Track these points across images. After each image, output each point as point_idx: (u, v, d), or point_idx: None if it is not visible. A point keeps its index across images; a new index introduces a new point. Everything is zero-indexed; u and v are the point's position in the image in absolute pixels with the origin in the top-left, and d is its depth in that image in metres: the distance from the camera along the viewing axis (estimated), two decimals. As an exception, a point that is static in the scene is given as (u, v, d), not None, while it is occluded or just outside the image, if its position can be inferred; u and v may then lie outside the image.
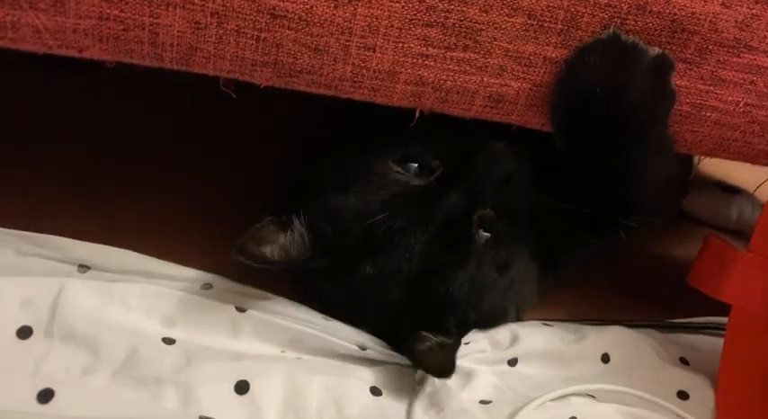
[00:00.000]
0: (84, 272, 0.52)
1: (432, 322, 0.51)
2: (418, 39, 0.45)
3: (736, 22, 0.45)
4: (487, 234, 0.52)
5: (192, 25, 0.43)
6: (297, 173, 0.57)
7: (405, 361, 0.53)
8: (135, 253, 0.54)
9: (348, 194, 0.50)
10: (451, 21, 0.44)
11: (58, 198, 0.60)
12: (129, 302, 0.50)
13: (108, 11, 0.42)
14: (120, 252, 0.53)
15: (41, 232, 0.53)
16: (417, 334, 0.51)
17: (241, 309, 0.52)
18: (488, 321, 0.56)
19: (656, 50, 0.46)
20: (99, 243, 0.54)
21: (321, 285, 0.54)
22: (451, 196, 0.50)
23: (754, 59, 0.47)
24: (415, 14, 0.44)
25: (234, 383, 0.47)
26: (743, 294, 0.55)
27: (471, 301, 0.52)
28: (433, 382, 0.52)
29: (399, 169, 0.52)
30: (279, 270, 0.52)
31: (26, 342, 0.46)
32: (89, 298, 0.49)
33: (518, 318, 0.59)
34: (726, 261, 0.56)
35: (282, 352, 0.52)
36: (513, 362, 0.56)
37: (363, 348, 0.52)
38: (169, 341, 0.49)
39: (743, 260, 0.55)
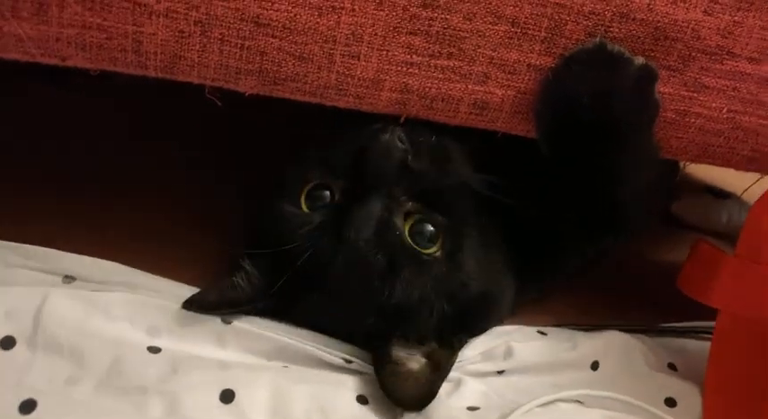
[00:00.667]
0: (70, 283, 0.52)
1: (399, 332, 0.50)
2: (402, 47, 0.45)
3: (718, 29, 0.46)
4: (427, 225, 0.50)
5: (176, 34, 0.43)
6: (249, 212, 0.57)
7: None
8: (122, 265, 0.53)
9: (273, 240, 0.50)
10: (435, 29, 0.45)
11: (47, 211, 0.59)
12: (113, 312, 0.49)
13: (91, 19, 0.42)
14: (108, 264, 0.53)
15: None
16: (384, 355, 0.50)
17: (227, 321, 0.52)
18: (475, 320, 0.55)
19: (640, 60, 0.46)
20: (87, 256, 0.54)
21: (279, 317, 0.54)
22: (362, 206, 0.49)
23: (737, 66, 0.47)
24: (398, 22, 0.44)
25: (219, 392, 0.47)
26: (730, 298, 0.55)
27: (433, 299, 0.50)
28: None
29: (308, 208, 0.51)
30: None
31: (9, 352, 0.46)
32: (73, 308, 0.48)
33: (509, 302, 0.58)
34: (713, 265, 0.56)
35: (268, 360, 0.52)
36: (501, 372, 0.56)
37: (349, 361, 0.52)
38: (154, 350, 0.49)
39: (730, 264, 0.55)
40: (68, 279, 0.52)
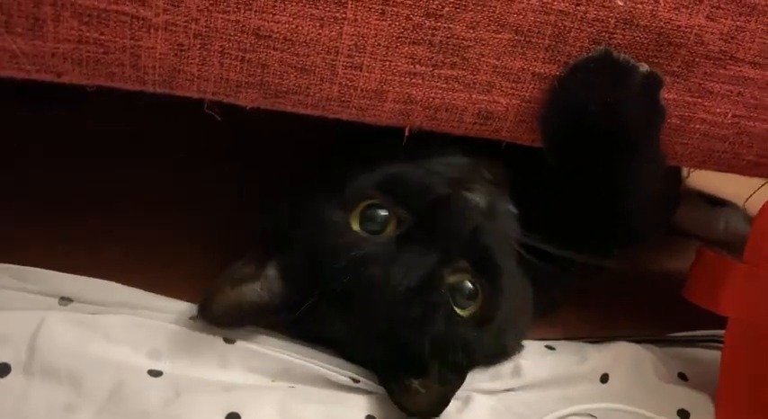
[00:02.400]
0: (66, 305, 0.50)
1: (413, 370, 0.49)
2: (405, 57, 0.45)
3: (721, 34, 0.46)
4: (470, 285, 0.49)
5: (175, 47, 0.43)
6: (269, 215, 0.54)
7: None
8: (120, 285, 0.52)
9: (309, 249, 0.48)
10: (438, 38, 0.44)
11: (42, 232, 0.58)
12: (112, 335, 0.48)
13: (87, 34, 0.41)
14: (105, 284, 0.52)
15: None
16: (398, 379, 0.49)
17: (230, 340, 0.50)
18: (489, 361, 0.54)
19: (645, 67, 0.46)
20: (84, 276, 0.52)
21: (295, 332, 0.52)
22: (417, 252, 0.47)
23: (741, 71, 0.47)
24: (401, 32, 0.44)
25: (224, 415, 0.45)
26: (740, 306, 0.55)
27: (453, 351, 0.49)
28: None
29: (360, 227, 0.49)
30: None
31: (4, 380, 0.44)
32: (70, 332, 0.47)
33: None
34: (721, 272, 0.56)
35: (273, 381, 0.51)
36: (510, 390, 0.55)
37: (356, 380, 0.51)
38: (156, 373, 0.47)
39: (738, 271, 0.55)
40: (65, 300, 0.50)
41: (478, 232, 0.48)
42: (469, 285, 0.49)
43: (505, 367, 0.55)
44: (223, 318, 0.48)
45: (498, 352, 0.54)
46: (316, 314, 0.49)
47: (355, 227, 0.49)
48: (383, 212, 0.49)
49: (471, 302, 0.49)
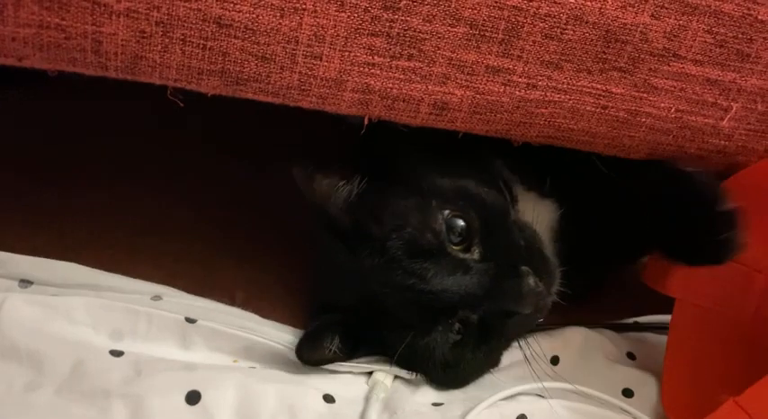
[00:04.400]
0: (26, 287, 0.51)
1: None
2: (364, 48, 0.46)
3: (664, 32, 0.48)
4: (456, 335, 0.52)
5: (137, 34, 0.43)
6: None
7: (357, 368, 0.53)
8: (80, 265, 0.52)
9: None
10: (396, 30, 0.45)
11: (2, 213, 0.58)
12: (74, 315, 0.48)
13: (48, 19, 0.41)
14: (65, 265, 0.52)
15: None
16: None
17: (191, 320, 0.51)
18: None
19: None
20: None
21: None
22: (454, 288, 0.49)
23: (683, 68, 0.50)
24: (360, 24, 0.45)
25: (185, 394, 0.47)
26: (685, 287, 0.57)
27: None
28: (386, 387, 0.52)
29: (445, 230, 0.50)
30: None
31: (-36, 360, 0.45)
32: (31, 313, 0.47)
33: None
34: None
35: (235, 361, 0.52)
36: None
37: None
38: (117, 353, 0.48)
39: None
40: (25, 283, 0.51)
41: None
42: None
43: None
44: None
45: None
46: None
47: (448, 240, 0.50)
48: (467, 221, 0.51)
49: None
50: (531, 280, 0.50)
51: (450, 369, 0.53)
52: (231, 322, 0.52)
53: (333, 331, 0.52)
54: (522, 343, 0.58)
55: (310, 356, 0.52)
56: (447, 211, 0.50)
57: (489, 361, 0.56)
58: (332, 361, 0.53)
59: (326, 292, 0.56)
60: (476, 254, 0.51)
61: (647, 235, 0.57)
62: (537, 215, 0.56)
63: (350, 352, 0.54)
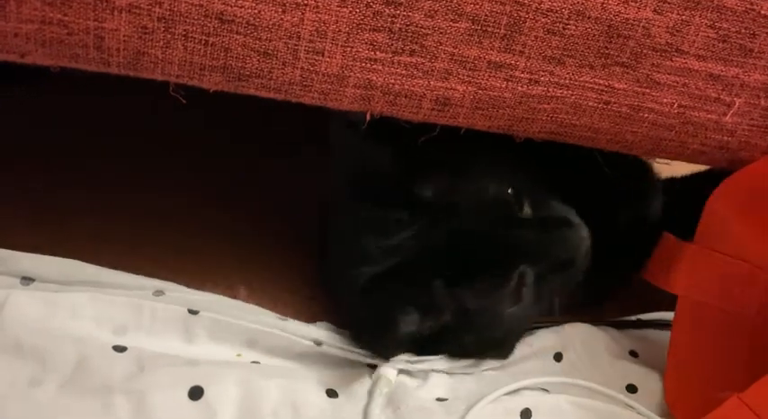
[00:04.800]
0: (28, 285, 0.51)
1: None
2: (366, 43, 0.46)
3: (667, 27, 0.48)
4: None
5: (139, 30, 0.43)
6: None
7: (361, 356, 0.53)
8: (82, 262, 0.52)
9: None
10: (398, 25, 0.45)
11: (3, 210, 0.58)
12: (77, 311, 0.49)
13: (51, 14, 0.42)
14: (66, 262, 0.52)
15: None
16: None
17: (193, 312, 0.51)
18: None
19: None
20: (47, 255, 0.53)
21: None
22: None
23: (686, 63, 0.50)
24: (362, 19, 0.45)
25: (188, 389, 0.47)
26: (689, 285, 0.57)
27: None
28: (390, 382, 0.52)
29: None
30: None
31: (-33, 356, 0.45)
32: (35, 309, 0.47)
33: None
34: (675, 253, 0.58)
35: (238, 355, 0.52)
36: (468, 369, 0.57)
37: (319, 343, 0.53)
38: (120, 349, 0.48)
39: (689, 251, 0.57)
40: (26, 280, 0.51)
41: None
42: None
43: None
44: None
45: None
46: None
47: None
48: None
49: None
50: (585, 231, 0.53)
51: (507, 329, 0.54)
52: (234, 314, 0.52)
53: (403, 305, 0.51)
54: (526, 339, 0.58)
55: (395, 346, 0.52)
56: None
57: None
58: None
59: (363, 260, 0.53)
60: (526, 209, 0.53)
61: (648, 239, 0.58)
62: None
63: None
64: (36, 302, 0.48)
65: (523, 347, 0.59)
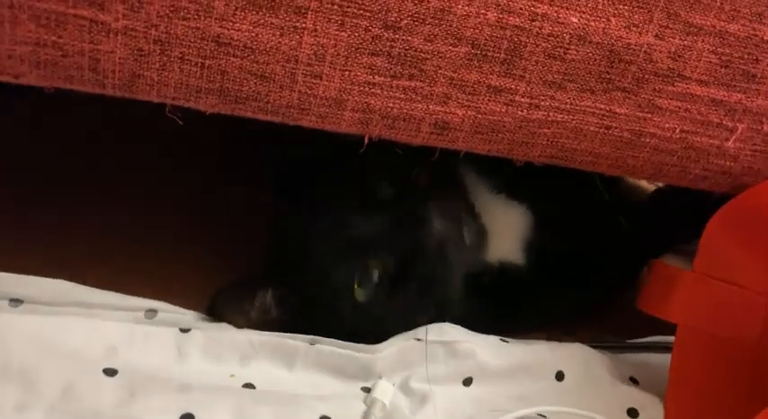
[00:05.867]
0: (17, 306, 0.50)
1: None
2: (364, 67, 0.45)
3: (669, 52, 0.47)
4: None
5: (135, 52, 0.43)
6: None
7: (358, 352, 0.54)
8: (71, 283, 0.52)
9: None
10: (397, 50, 0.45)
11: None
12: (66, 333, 0.48)
13: (45, 37, 0.41)
14: (56, 282, 0.51)
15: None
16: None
17: (185, 330, 0.51)
18: None
19: None
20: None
21: None
22: None
23: (688, 88, 0.49)
24: (360, 43, 0.44)
25: (179, 416, 0.46)
26: (688, 313, 0.57)
27: None
28: (384, 407, 0.52)
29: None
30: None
31: (-46, 380, 0.44)
32: (23, 331, 0.47)
33: None
34: (671, 281, 0.58)
35: (232, 376, 0.51)
36: (467, 382, 0.56)
37: (313, 343, 0.53)
38: (111, 372, 0.48)
39: (688, 279, 0.57)
40: (15, 302, 0.50)
41: None
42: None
43: (462, 345, 0.57)
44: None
45: None
46: None
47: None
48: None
49: None
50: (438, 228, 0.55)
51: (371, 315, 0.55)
52: (226, 329, 0.52)
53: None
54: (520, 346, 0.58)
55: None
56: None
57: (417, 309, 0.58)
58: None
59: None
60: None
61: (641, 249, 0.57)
62: (502, 221, 0.58)
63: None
64: (26, 324, 0.48)
65: (524, 355, 0.58)
